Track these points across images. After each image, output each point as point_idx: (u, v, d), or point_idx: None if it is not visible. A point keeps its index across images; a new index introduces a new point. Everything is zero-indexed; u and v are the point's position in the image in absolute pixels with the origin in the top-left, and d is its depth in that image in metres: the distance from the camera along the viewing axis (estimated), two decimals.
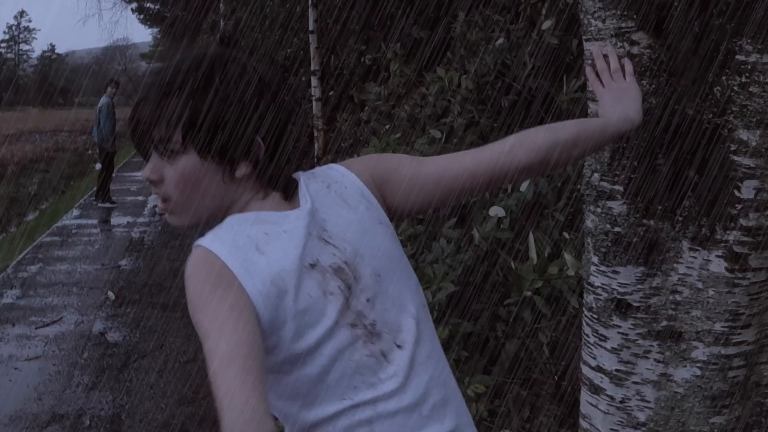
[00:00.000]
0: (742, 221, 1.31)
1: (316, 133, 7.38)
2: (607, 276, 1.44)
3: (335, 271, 1.00)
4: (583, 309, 1.54)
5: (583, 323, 1.54)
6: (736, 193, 1.31)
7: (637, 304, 1.41)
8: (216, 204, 1.03)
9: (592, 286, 1.48)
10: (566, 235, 2.51)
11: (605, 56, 1.34)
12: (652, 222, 1.39)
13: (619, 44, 1.35)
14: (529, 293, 2.41)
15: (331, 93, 7.44)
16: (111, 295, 5.65)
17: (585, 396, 1.54)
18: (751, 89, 1.28)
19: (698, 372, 1.38)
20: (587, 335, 1.52)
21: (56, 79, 61.22)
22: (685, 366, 1.38)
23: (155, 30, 32.62)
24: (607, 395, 1.47)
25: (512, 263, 2.52)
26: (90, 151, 17.44)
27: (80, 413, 3.58)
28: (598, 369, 1.48)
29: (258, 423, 0.79)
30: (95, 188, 10.35)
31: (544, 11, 3.03)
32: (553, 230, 2.58)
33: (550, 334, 2.49)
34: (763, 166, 1.29)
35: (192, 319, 0.90)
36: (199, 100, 0.98)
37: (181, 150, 0.99)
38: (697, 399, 1.38)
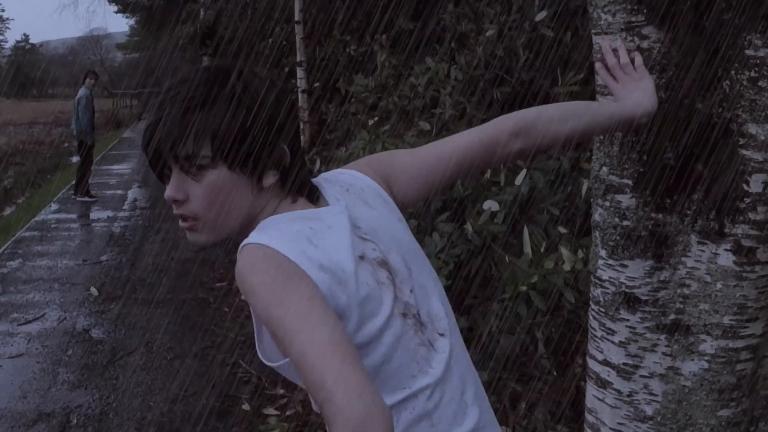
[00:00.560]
0: (751, 215, 1.32)
1: (302, 126, 7.33)
2: (615, 269, 1.44)
3: (380, 263, 1.01)
4: (590, 303, 1.54)
5: (590, 317, 1.54)
6: (745, 187, 1.32)
7: (645, 298, 1.41)
8: (243, 216, 1.01)
9: (600, 279, 1.48)
10: (561, 229, 2.52)
11: (614, 51, 1.34)
12: (660, 215, 1.39)
13: (629, 38, 1.34)
14: (524, 288, 2.41)
15: (316, 84, 7.39)
16: (94, 291, 5.56)
17: (591, 390, 1.54)
18: (760, 84, 1.28)
19: (706, 365, 1.38)
20: (594, 329, 1.52)
21: (31, 70, 60.03)
22: (693, 359, 1.39)
23: (132, 20, 32.14)
24: (614, 389, 1.47)
25: (506, 258, 2.52)
26: (66, 144, 17.14)
27: (67, 411, 3.52)
28: (605, 363, 1.49)
29: (380, 401, 0.80)
30: (74, 182, 10.16)
31: (536, 2, 3.02)
32: (548, 224, 2.58)
33: (546, 330, 2.49)
34: None
35: (264, 317, 0.88)
36: (226, 112, 0.97)
37: (210, 165, 0.97)
38: (705, 392, 1.39)
